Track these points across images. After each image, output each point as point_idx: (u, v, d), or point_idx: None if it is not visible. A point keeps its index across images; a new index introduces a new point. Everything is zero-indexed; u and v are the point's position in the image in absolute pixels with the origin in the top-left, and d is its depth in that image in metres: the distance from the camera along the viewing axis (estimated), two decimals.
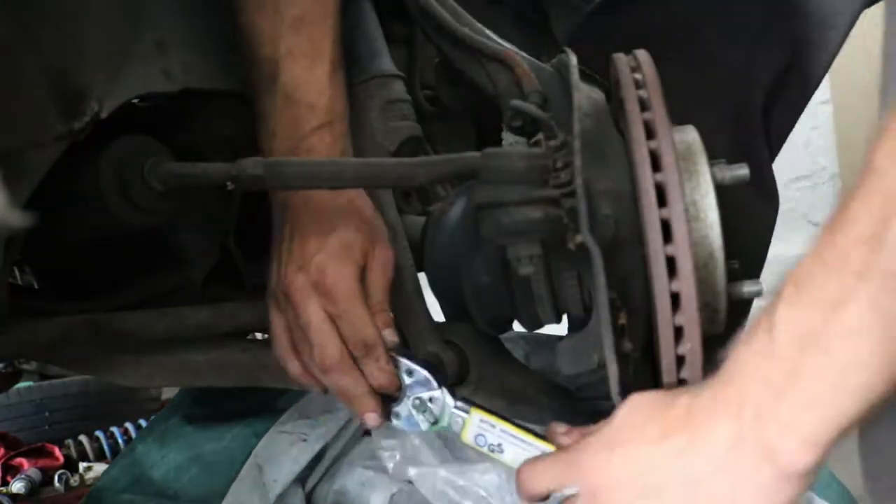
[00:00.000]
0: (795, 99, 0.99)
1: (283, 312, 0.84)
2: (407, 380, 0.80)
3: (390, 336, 0.81)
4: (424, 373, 0.79)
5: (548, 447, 0.74)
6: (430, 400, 0.79)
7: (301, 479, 1.08)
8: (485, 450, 0.76)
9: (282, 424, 1.12)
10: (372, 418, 0.81)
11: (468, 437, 0.77)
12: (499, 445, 0.76)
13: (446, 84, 1.08)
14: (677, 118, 0.73)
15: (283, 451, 1.08)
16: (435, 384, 0.79)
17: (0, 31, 0.73)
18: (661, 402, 0.61)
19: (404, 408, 0.80)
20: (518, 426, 0.76)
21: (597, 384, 0.76)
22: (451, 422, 0.78)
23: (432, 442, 0.83)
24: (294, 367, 0.84)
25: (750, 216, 1.02)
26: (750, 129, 0.98)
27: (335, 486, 1.06)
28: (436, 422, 0.79)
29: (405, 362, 0.80)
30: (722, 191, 0.72)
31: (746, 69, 0.96)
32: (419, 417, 0.79)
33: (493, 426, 0.76)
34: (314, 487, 1.09)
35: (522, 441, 0.75)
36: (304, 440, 1.07)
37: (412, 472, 0.81)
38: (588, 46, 0.86)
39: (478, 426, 0.77)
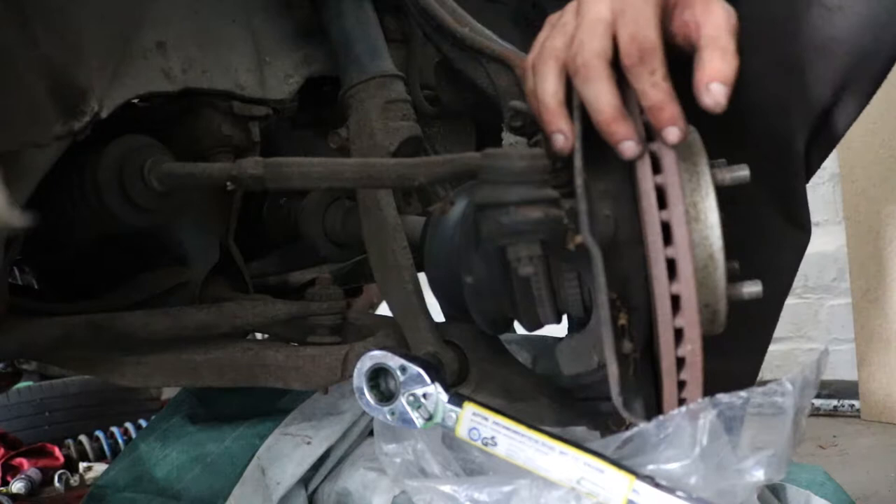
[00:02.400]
0: (834, 135, 0.98)
1: (560, 26, 0.75)
2: (401, 376, 0.79)
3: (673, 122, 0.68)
4: (417, 369, 0.79)
5: (541, 437, 0.74)
6: (424, 396, 0.79)
7: (304, 480, 1.08)
8: (479, 444, 0.76)
9: (285, 426, 1.11)
10: (629, 147, 0.68)
11: (462, 431, 0.77)
12: (492, 438, 0.75)
13: (446, 84, 1.08)
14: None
15: (287, 454, 1.07)
16: (428, 380, 0.79)
17: (0, 32, 0.73)
18: None
19: (399, 405, 0.80)
20: (510, 417, 0.76)
21: (597, 384, 0.76)
22: (444, 417, 0.78)
23: (436, 448, 0.83)
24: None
25: (785, 248, 1.03)
26: (791, 168, 0.98)
27: (337, 487, 1.06)
28: (430, 418, 0.79)
29: (398, 359, 0.80)
30: (722, 191, 0.72)
31: (789, 105, 0.95)
32: (414, 414, 0.79)
33: (485, 419, 0.76)
34: (316, 489, 1.09)
35: (515, 432, 0.75)
36: (308, 443, 1.07)
37: (409, 483, 0.80)
38: None
39: (471, 419, 0.77)
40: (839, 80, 0.93)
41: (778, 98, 0.95)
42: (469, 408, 0.77)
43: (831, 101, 0.94)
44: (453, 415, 0.77)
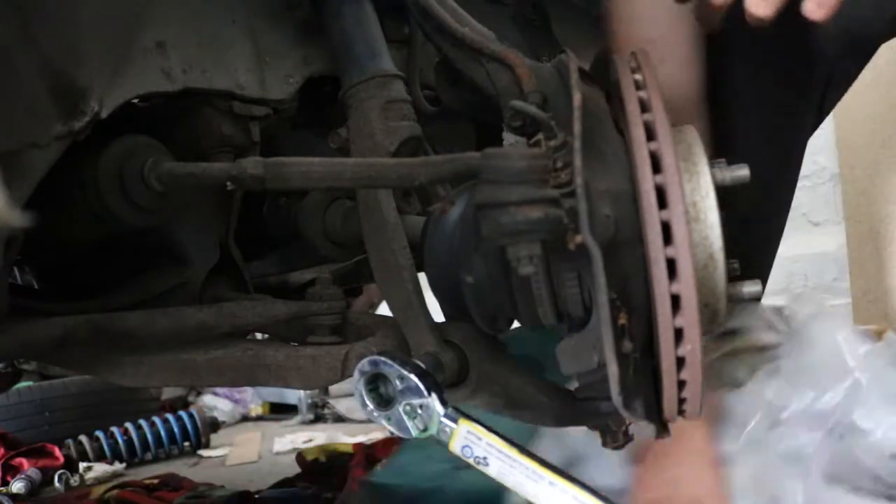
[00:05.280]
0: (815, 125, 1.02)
1: None
2: (399, 385, 0.80)
3: None
4: (415, 380, 0.79)
5: (532, 464, 0.74)
6: (421, 407, 0.79)
7: None
8: (471, 461, 0.77)
9: None
10: None
11: (455, 447, 0.78)
12: (484, 459, 0.76)
13: (446, 84, 1.07)
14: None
15: None
16: (425, 392, 0.79)
17: (0, 32, 0.73)
18: None
19: (396, 412, 0.80)
20: (504, 440, 0.77)
21: (597, 384, 0.76)
22: (439, 430, 0.79)
23: None
24: None
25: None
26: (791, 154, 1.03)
27: None
28: (425, 429, 0.79)
29: (397, 368, 0.80)
30: (722, 191, 0.72)
31: (781, 101, 0.99)
32: (409, 424, 0.79)
33: (479, 438, 0.77)
34: None
35: (507, 456, 0.76)
36: None
37: None
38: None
39: (465, 437, 0.77)
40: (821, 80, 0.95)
41: (770, 98, 0.97)
42: (464, 425, 0.78)
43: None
44: (448, 430, 0.78)
